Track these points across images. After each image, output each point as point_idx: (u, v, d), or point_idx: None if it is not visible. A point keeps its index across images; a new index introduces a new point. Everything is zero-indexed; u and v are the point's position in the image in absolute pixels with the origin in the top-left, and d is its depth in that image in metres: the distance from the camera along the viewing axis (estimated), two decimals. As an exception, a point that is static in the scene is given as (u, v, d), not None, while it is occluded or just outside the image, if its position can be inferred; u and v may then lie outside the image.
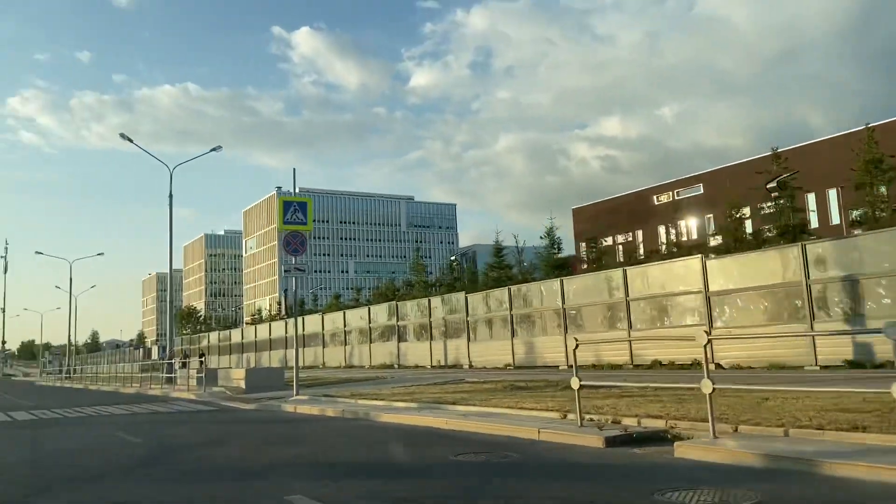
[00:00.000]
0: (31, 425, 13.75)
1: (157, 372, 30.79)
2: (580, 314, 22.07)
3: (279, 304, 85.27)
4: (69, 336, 54.41)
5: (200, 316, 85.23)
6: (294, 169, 19.54)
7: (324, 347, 37.81)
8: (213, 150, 31.90)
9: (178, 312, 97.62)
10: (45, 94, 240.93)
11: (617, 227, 58.76)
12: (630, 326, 20.52)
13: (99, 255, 60.92)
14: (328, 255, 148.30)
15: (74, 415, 15.68)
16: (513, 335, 24.54)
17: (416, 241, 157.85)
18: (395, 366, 30.92)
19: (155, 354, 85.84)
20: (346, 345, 35.76)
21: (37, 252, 55.54)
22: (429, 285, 35.46)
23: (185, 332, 79.05)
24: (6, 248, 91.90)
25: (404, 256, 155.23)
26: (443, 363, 28.38)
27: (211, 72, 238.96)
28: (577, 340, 8.48)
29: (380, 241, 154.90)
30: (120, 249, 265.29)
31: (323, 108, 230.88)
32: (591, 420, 8.21)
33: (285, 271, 18.27)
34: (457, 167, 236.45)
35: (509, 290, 25.16)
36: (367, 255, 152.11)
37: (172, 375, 28.65)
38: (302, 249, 18.24)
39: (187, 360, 39.48)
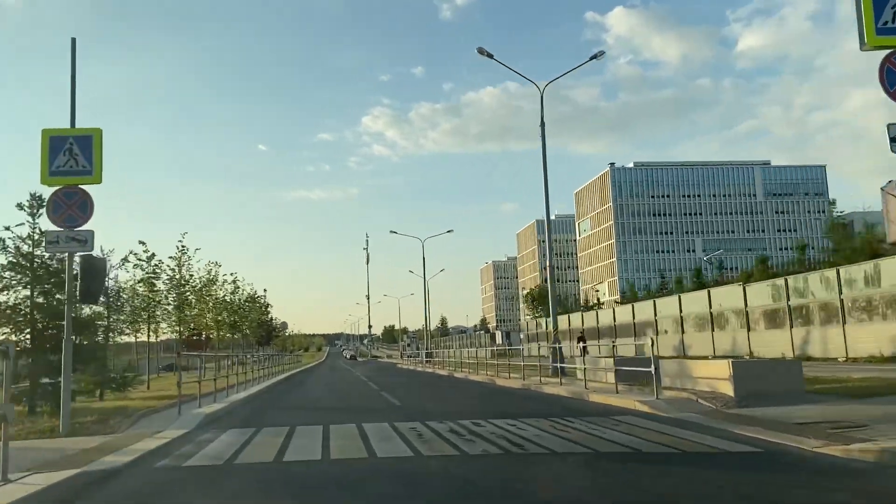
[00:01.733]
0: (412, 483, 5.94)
1: (515, 359, 23.38)
2: None
3: (712, 261, 75.63)
4: (426, 318, 51.99)
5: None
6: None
7: (712, 331, 26.92)
8: (594, 57, 23.37)
9: (528, 294, 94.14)
10: (390, 110, 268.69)
11: None
12: None
13: (449, 231, 58.23)
14: (671, 233, 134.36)
15: (478, 449, 7.70)
16: None
17: (777, 212, 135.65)
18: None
19: (499, 339, 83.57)
20: (792, 327, 24.41)
21: (391, 231, 54.31)
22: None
23: (536, 314, 73.99)
24: (367, 242, 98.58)
25: (763, 231, 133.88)
26: None
27: (528, 67, 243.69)
28: None
29: (730, 214, 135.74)
30: (459, 242, 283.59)
31: (640, 87, 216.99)
32: None
33: None
34: (799, 134, 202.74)
35: None
36: (717, 231, 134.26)
37: (563, 366, 20.92)
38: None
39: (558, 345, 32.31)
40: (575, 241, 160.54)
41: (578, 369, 18.22)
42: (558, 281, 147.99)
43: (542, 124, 22.37)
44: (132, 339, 27.17)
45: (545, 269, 22.74)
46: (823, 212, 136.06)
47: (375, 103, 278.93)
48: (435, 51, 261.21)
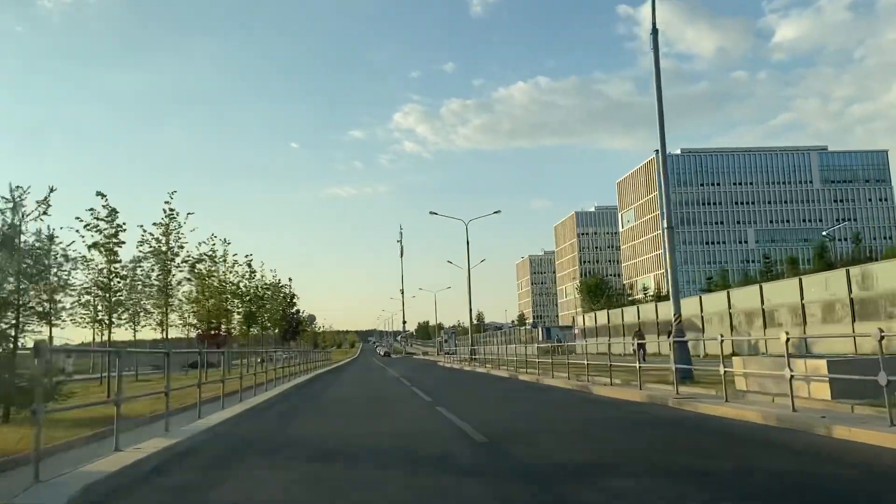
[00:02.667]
0: None
1: (564, 356, 17.33)
2: None
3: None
4: (469, 310, 45.81)
5: (610, 289, 72.46)
6: None
7: (853, 322, 20.35)
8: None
9: (582, 284, 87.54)
10: (421, 106, 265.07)
11: None
12: None
13: (496, 212, 52.21)
14: (721, 223, 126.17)
15: None
16: None
17: (835, 201, 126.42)
18: None
19: (539, 335, 77.39)
20: None
21: (431, 212, 48.34)
22: None
23: (594, 306, 67.36)
24: (401, 234, 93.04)
25: (820, 220, 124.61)
26: None
27: (560, 63, 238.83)
28: None
29: (785, 202, 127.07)
30: (492, 237, 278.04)
31: (674, 81, 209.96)
32: None
33: None
34: (837, 126, 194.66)
35: None
36: (770, 221, 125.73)
37: (689, 367, 14.94)
38: None
39: (643, 341, 26.52)
40: (616, 233, 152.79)
41: (738, 374, 11.97)
42: (602, 275, 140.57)
43: (655, 31, 16.25)
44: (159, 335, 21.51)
45: (663, 222, 16.48)
46: (886, 199, 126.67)
47: (406, 100, 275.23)
48: (465, 47, 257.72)
